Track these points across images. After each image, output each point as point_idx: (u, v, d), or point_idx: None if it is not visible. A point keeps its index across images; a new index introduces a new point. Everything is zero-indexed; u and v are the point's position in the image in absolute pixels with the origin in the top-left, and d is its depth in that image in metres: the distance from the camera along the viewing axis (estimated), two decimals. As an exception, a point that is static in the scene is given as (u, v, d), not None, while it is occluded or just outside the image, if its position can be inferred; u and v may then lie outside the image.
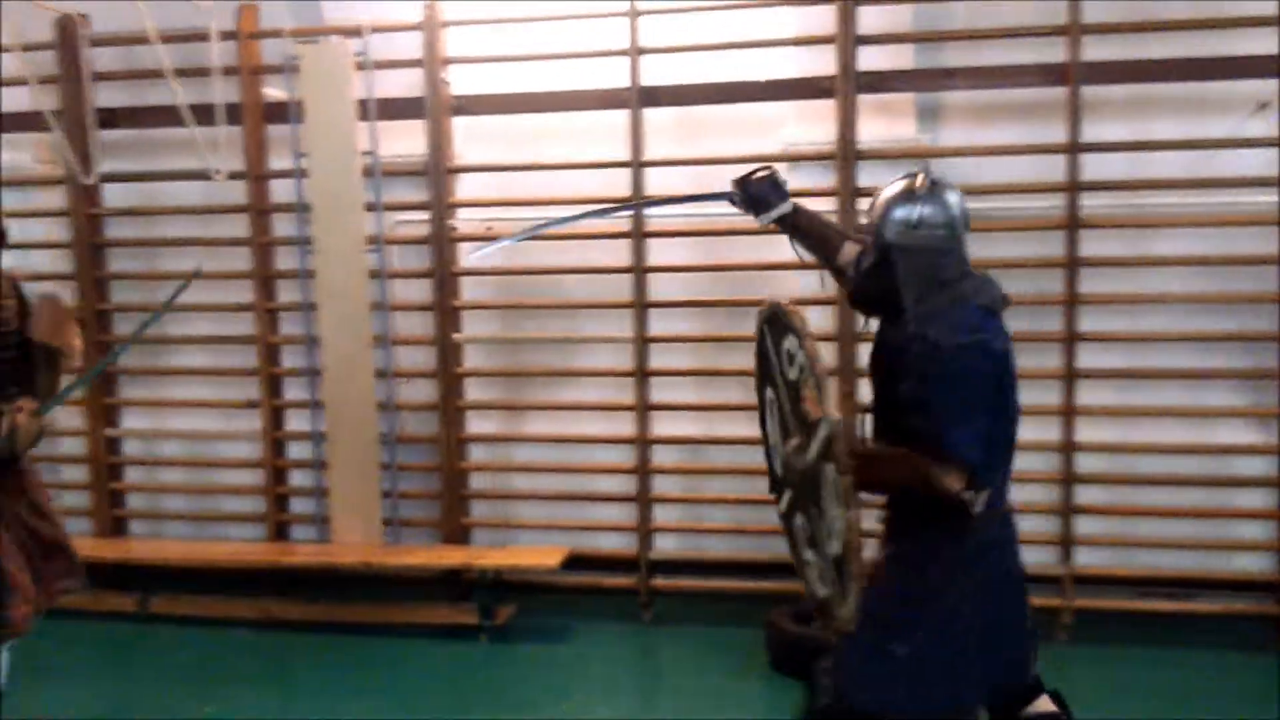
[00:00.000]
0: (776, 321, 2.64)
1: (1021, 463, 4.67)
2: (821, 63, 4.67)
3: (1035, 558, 4.78)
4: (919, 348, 2.51)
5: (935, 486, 2.47)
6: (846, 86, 4.59)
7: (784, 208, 2.95)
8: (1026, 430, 4.61)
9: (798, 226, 2.99)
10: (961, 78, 4.68)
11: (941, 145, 4.82)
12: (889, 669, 2.59)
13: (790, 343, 2.55)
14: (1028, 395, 4.65)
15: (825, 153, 4.69)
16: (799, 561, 2.67)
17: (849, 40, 4.55)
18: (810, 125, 4.79)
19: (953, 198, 2.64)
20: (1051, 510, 4.77)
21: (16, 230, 5.59)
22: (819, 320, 4.73)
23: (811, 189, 4.75)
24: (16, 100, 5.46)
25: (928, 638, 2.59)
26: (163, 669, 4.68)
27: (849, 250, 2.88)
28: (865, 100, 4.65)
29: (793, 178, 4.83)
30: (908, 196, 2.63)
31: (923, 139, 4.79)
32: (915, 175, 2.68)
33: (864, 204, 4.61)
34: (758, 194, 2.95)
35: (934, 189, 2.65)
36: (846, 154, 4.63)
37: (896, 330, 2.61)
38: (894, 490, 2.69)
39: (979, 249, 4.63)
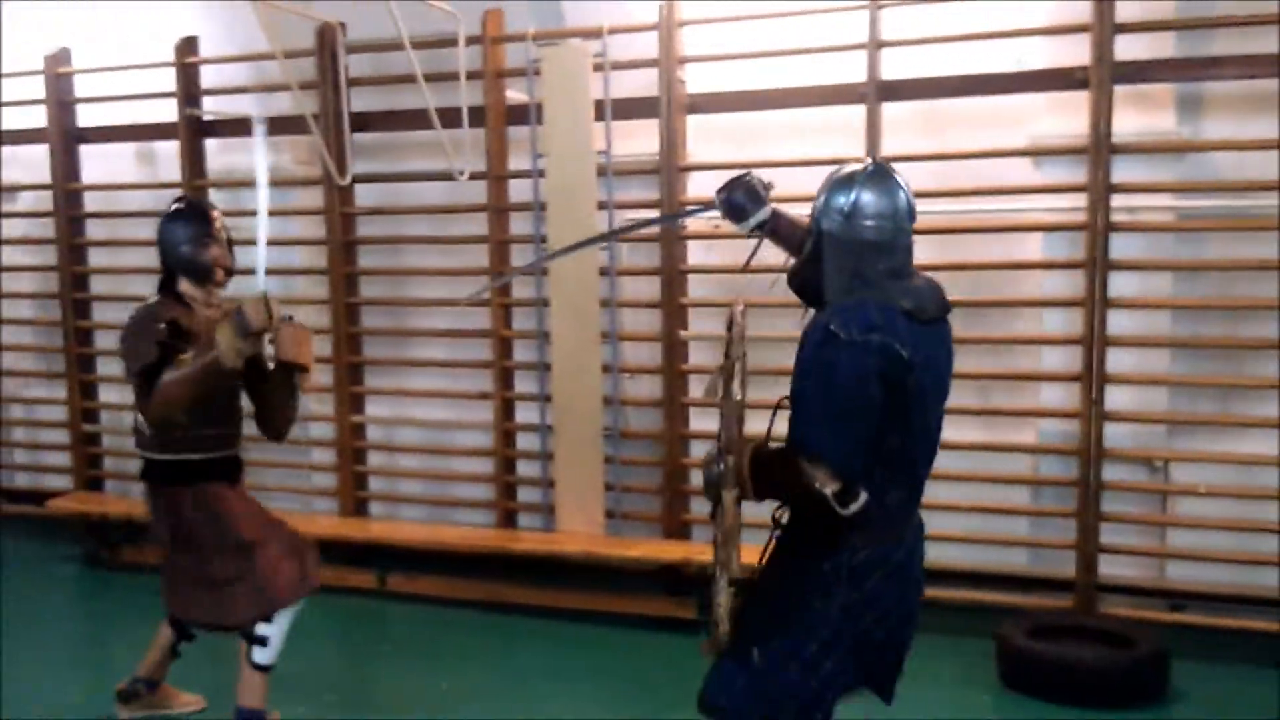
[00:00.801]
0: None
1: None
2: (1075, 52, 4.46)
3: (1260, 579, 4.45)
4: (810, 337, 2.35)
5: (808, 486, 2.34)
6: (1101, 77, 4.37)
7: (761, 214, 2.82)
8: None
9: (778, 232, 2.83)
10: (1228, 67, 4.37)
11: (1203, 139, 4.52)
12: (744, 674, 2.52)
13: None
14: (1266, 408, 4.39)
15: (1076, 146, 4.49)
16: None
17: (1106, 29, 4.34)
18: (1060, 118, 4.59)
19: (897, 188, 2.43)
20: None
21: (278, 227, 6.10)
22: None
23: (1061, 184, 4.58)
24: (278, 105, 5.91)
25: (787, 648, 2.48)
26: (399, 643, 4.93)
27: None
28: (1121, 91, 4.41)
29: (1041, 172, 4.69)
30: (846, 182, 2.46)
31: (1182, 132, 4.52)
32: (872, 159, 2.52)
33: (1118, 200, 4.47)
34: (736, 202, 2.83)
35: (876, 175, 2.44)
36: (1099, 147, 4.40)
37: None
38: (782, 493, 2.53)
39: (1247, 249, 4.41)
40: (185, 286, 3.67)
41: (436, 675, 4.48)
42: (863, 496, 2.35)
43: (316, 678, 4.37)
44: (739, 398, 2.41)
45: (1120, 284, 4.52)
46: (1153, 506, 4.72)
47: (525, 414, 5.60)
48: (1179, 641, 4.30)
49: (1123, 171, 4.42)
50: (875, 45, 4.69)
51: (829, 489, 2.33)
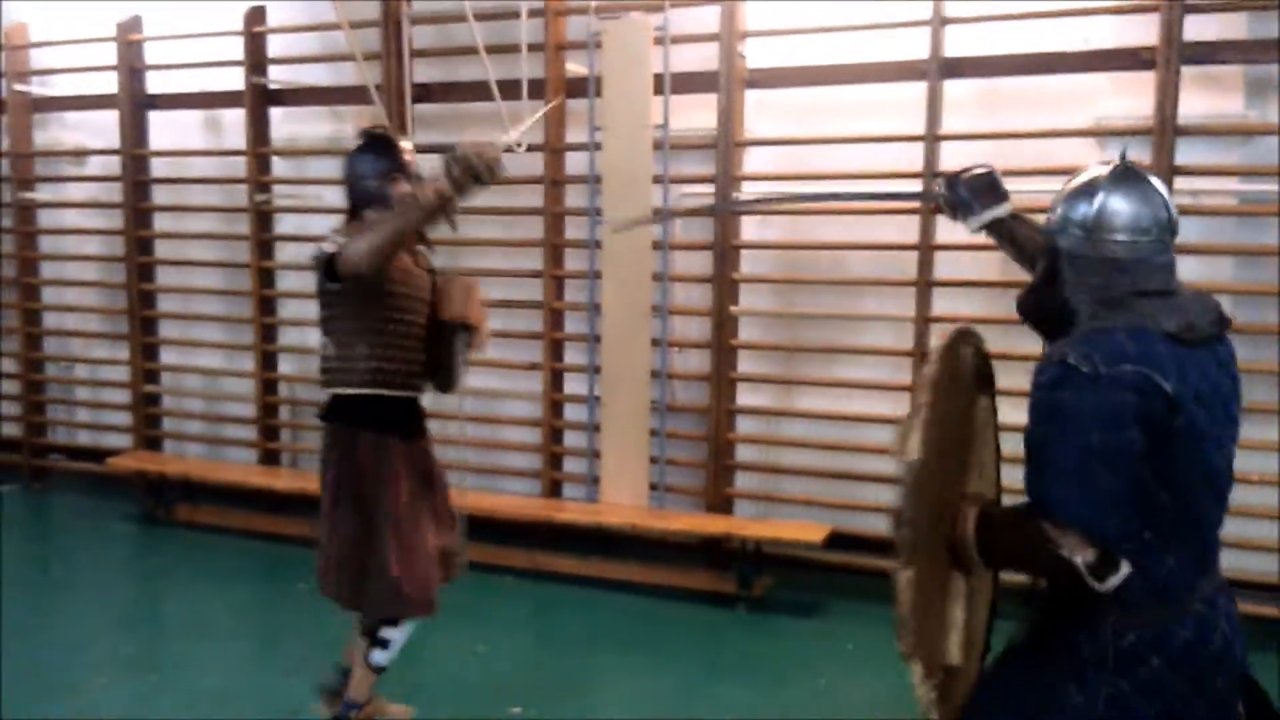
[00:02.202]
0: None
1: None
2: (1142, 32, 4.40)
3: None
4: (1040, 376, 1.95)
5: (1052, 556, 1.93)
6: (1169, 57, 4.30)
7: (995, 211, 2.40)
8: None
9: (1014, 238, 2.42)
10: (1301, 49, 4.29)
11: (1271, 122, 4.43)
12: None
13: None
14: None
15: (1141, 128, 4.42)
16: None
17: (1176, 9, 4.27)
18: (1125, 98, 4.53)
19: (1150, 192, 2.01)
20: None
21: (340, 195, 6.18)
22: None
23: (1123, 166, 4.51)
24: (343, 75, 6.01)
25: None
26: (443, 605, 4.97)
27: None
28: (1189, 73, 4.34)
29: (1105, 153, 4.62)
30: (1087, 190, 2.02)
31: (1250, 115, 4.43)
32: (1120, 160, 2.06)
33: (1181, 183, 4.39)
34: (966, 196, 2.41)
35: (1123, 179, 2.01)
36: (1164, 129, 4.34)
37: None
38: (1017, 562, 2.11)
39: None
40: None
41: (474, 639, 4.52)
42: (1124, 568, 1.94)
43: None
44: (917, 457, 1.93)
45: (1181, 268, 4.43)
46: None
47: (573, 385, 5.64)
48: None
49: (1186, 154, 4.35)
50: (939, 21, 4.66)
51: (1080, 558, 1.92)
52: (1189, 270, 4.44)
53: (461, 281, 3.49)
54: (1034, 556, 2.00)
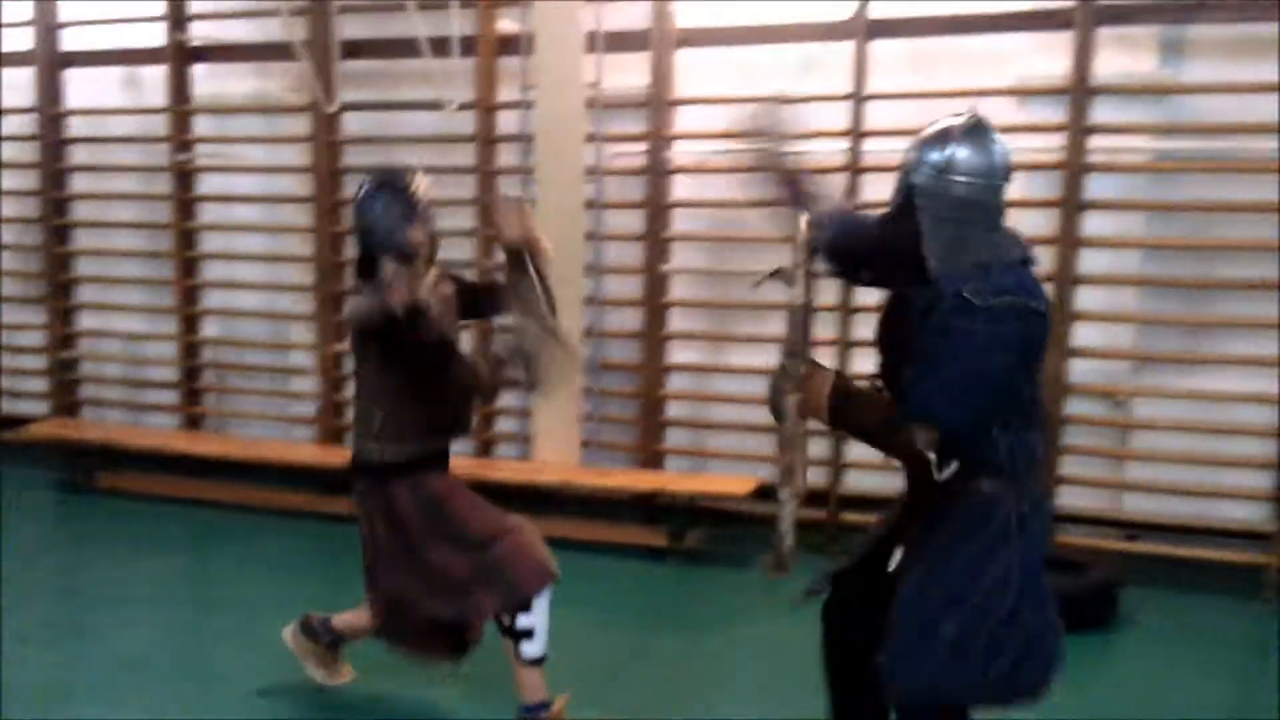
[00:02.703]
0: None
1: (1237, 414, 4.53)
2: (1061, -7, 4.54)
3: (1243, 513, 4.58)
4: (947, 305, 2.21)
5: (909, 445, 2.27)
6: (1086, 18, 4.43)
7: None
8: (1244, 381, 4.49)
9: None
10: (1213, 9, 4.44)
11: (1185, 81, 4.60)
12: (935, 650, 2.35)
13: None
14: (1260, 345, 4.49)
15: (1058, 87, 4.55)
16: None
17: (1092, -32, 4.41)
18: (1044, 58, 4.65)
19: (995, 143, 2.30)
20: (1265, 465, 4.52)
21: (264, 154, 6.11)
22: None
23: (1043, 123, 4.64)
24: (267, 31, 5.90)
25: (981, 607, 2.34)
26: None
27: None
28: (1104, 33, 4.48)
29: (1023, 112, 4.76)
30: (942, 137, 2.30)
31: (1164, 74, 4.59)
32: (970, 113, 2.36)
33: (1097, 141, 4.54)
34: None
35: (974, 131, 2.31)
36: (1081, 88, 4.47)
37: (920, 292, 2.29)
38: (868, 436, 2.44)
39: (1223, 190, 4.50)
40: (388, 271, 3.20)
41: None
42: (953, 466, 2.30)
43: (299, 602, 4.35)
44: (803, 300, 2.31)
45: (1094, 224, 4.60)
46: (1113, 440, 4.82)
47: (506, 345, 5.63)
48: (1133, 570, 4.41)
49: (1103, 113, 4.49)
50: (865, -18, 4.74)
51: (932, 452, 2.27)
52: (1105, 225, 4.66)
53: (511, 204, 3.32)
54: (888, 439, 2.37)
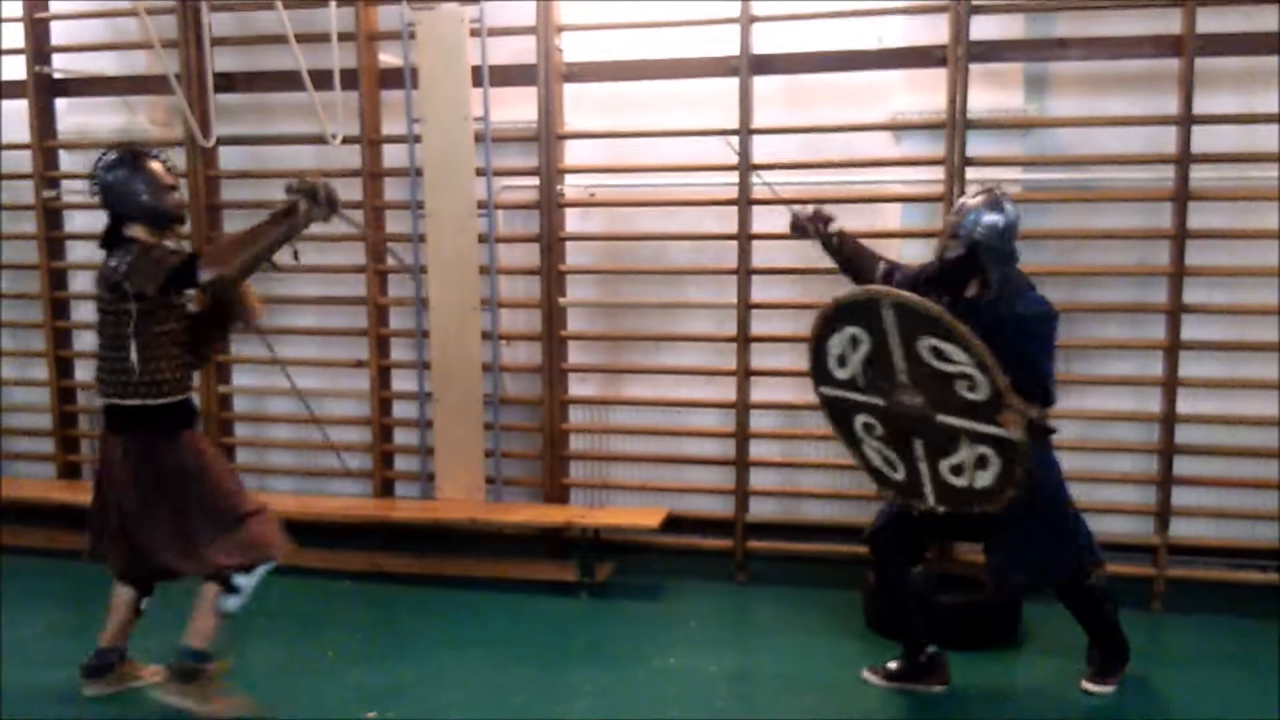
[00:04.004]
0: (907, 312, 3.50)
1: (1124, 433, 4.82)
2: (933, 32, 4.71)
3: (1132, 527, 4.86)
4: (1020, 317, 3.56)
5: (1037, 421, 3.57)
6: (958, 55, 4.63)
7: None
8: (1121, 401, 4.79)
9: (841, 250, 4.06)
10: (1074, 48, 4.70)
11: (1049, 115, 4.85)
12: (1064, 544, 3.80)
13: (933, 340, 3.47)
14: (1133, 366, 4.80)
15: (934, 122, 4.74)
16: (912, 468, 3.73)
17: (963, 9, 4.59)
18: (919, 94, 4.84)
19: (1012, 206, 3.69)
20: (1150, 480, 4.82)
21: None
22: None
23: (919, 157, 4.83)
24: (134, 63, 5.67)
25: (1070, 510, 3.84)
26: (276, 614, 4.83)
27: (883, 267, 3.96)
28: (974, 69, 4.67)
29: (901, 146, 4.94)
30: (997, 206, 3.63)
31: (1029, 109, 4.83)
32: (992, 189, 3.70)
33: (972, 173, 4.75)
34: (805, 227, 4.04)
35: (1002, 201, 3.65)
36: (955, 123, 4.67)
37: (980, 309, 3.56)
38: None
39: (1088, 219, 4.77)
40: (138, 232, 3.67)
41: (321, 644, 4.45)
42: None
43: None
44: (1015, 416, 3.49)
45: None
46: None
47: (402, 382, 5.57)
48: (1030, 587, 4.63)
49: (975, 146, 4.70)
50: (747, 19, 4.83)
51: (1046, 423, 3.71)
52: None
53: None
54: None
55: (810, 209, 4.00)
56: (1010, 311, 3.55)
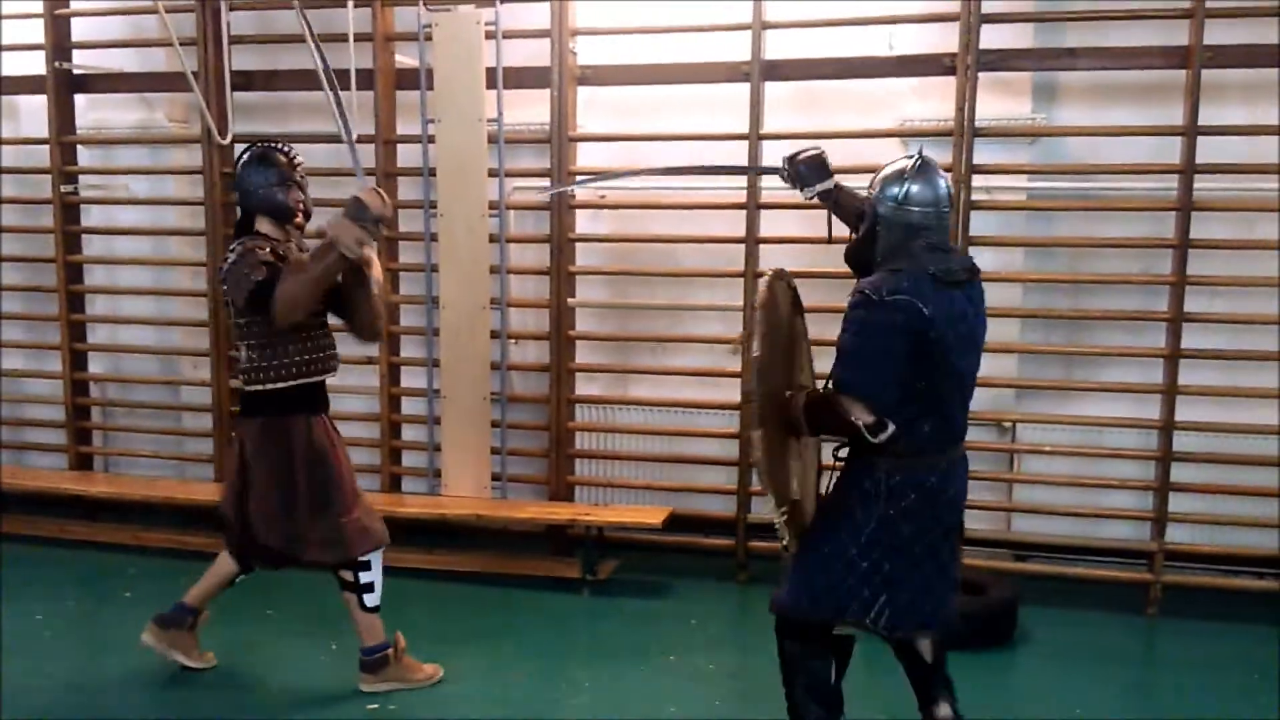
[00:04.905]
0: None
1: (1123, 439, 4.86)
2: (944, 40, 4.76)
3: (1128, 533, 4.90)
4: (850, 300, 2.90)
5: (845, 418, 2.87)
6: (968, 64, 4.68)
7: (826, 184, 3.33)
8: (1120, 408, 4.83)
9: (839, 203, 3.34)
10: (1082, 58, 4.75)
11: (1056, 124, 4.90)
12: (798, 573, 3.06)
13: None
14: (1134, 373, 4.84)
15: (943, 129, 4.79)
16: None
17: (973, 18, 4.64)
18: (928, 102, 4.90)
19: (939, 180, 2.95)
20: (1148, 487, 4.86)
21: (148, 186, 5.95)
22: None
23: (927, 164, 4.87)
24: (154, 61, 5.75)
25: (832, 549, 2.98)
26: (283, 607, 4.90)
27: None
28: (982, 78, 4.72)
29: (908, 154, 4.97)
30: (899, 176, 2.95)
31: (1037, 118, 4.88)
32: (911, 157, 2.99)
33: (978, 181, 4.80)
34: (803, 170, 3.34)
35: (922, 170, 2.95)
36: (964, 131, 4.72)
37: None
38: (825, 425, 3.05)
39: (1093, 228, 4.81)
40: (265, 227, 3.81)
41: (325, 638, 4.49)
42: (890, 428, 2.85)
43: (203, 644, 4.33)
44: (757, 354, 2.89)
45: (977, 259, 4.84)
46: (1001, 465, 5.11)
47: (411, 379, 5.63)
48: (1028, 589, 4.70)
49: (983, 154, 4.75)
50: (760, 25, 4.89)
51: (862, 420, 2.85)
52: (986, 261, 4.86)
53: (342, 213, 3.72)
54: (834, 420, 2.94)
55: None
56: (856, 289, 2.90)
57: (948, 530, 3.05)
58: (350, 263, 3.60)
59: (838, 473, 3.09)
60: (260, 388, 3.77)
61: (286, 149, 3.86)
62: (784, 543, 2.96)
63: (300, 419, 3.81)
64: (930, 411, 2.90)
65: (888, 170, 2.99)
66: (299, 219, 3.85)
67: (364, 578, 3.91)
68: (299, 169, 3.84)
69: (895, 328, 2.79)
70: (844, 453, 3.02)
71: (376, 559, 3.93)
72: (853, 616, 3.00)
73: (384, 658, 4.02)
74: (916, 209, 2.90)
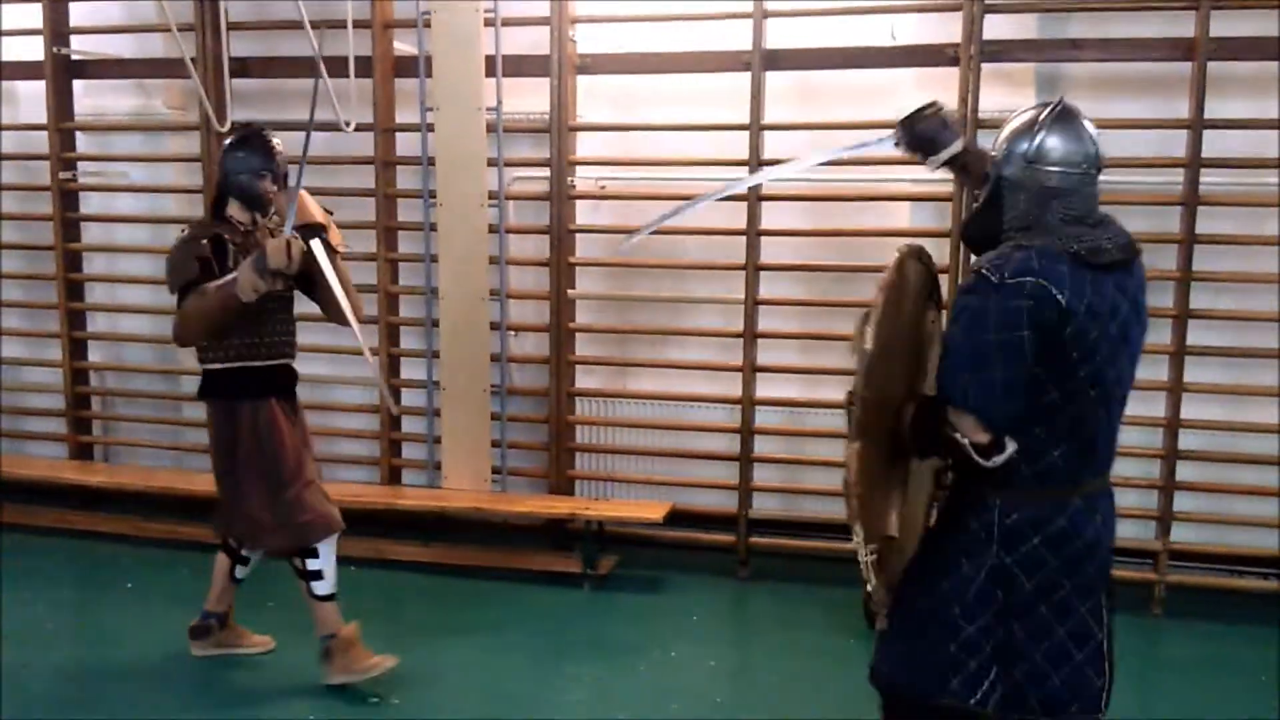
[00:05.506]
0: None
1: (1126, 437, 4.81)
2: (946, 30, 4.71)
3: (1133, 532, 4.86)
4: (962, 285, 2.30)
5: (949, 434, 2.27)
6: (971, 55, 4.63)
7: (955, 147, 2.70)
8: (1134, 405, 4.76)
9: (967, 167, 2.75)
10: (1086, 49, 4.69)
11: (1061, 118, 4.84)
12: (894, 639, 2.44)
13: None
14: (1139, 370, 4.76)
15: (946, 121, 4.74)
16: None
17: (976, 8, 4.59)
18: (930, 93, 4.79)
19: (1085, 131, 2.31)
20: (1152, 485, 4.82)
21: (146, 173, 5.91)
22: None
23: (930, 157, 4.83)
24: (151, 46, 5.71)
25: (929, 610, 2.37)
26: (284, 599, 4.88)
27: None
28: (985, 69, 4.67)
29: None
30: (1029, 127, 2.31)
31: (1042, 110, 4.82)
32: (1046, 105, 2.35)
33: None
34: (925, 133, 2.71)
35: (1061, 119, 2.30)
36: (967, 122, 4.67)
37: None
38: (926, 442, 2.40)
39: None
40: (234, 210, 3.83)
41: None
42: (1009, 449, 2.24)
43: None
44: (870, 347, 2.26)
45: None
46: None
47: (411, 371, 5.61)
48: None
49: (986, 145, 4.67)
50: (761, 15, 4.84)
51: (970, 440, 2.23)
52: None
53: (283, 196, 3.79)
54: (936, 436, 2.31)
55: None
56: (971, 270, 2.33)
57: (1086, 587, 2.38)
58: (249, 305, 3.56)
59: (941, 507, 2.49)
60: (208, 367, 3.80)
61: (269, 135, 3.84)
62: (870, 588, 2.31)
63: (246, 403, 3.78)
64: (1063, 432, 2.28)
65: (1016, 121, 2.35)
66: (270, 209, 3.87)
67: (311, 565, 3.89)
68: (279, 156, 3.82)
69: (1018, 319, 2.17)
70: (950, 479, 2.42)
71: (325, 547, 3.90)
72: (955, 696, 2.33)
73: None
74: (1055, 169, 2.26)
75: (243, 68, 5.53)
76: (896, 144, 2.75)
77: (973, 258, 2.42)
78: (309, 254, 3.71)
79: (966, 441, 2.24)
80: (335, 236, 3.88)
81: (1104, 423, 2.36)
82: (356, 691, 3.95)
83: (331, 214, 3.95)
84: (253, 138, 3.82)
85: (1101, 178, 2.27)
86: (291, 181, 3.78)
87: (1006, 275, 2.19)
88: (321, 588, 3.91)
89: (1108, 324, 2.26)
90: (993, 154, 2.38)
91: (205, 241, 3.69)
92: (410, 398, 5.62)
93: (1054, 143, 2.28)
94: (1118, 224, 2.37)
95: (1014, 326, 2.18)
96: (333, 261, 3.83)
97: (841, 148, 3.23)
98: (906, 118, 2.73)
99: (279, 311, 3.87)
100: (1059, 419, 2.27)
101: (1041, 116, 2.31)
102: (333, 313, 3.91)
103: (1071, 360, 2.23)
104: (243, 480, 3.81)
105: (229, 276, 3.55)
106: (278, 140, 3.86)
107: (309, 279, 3.82)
